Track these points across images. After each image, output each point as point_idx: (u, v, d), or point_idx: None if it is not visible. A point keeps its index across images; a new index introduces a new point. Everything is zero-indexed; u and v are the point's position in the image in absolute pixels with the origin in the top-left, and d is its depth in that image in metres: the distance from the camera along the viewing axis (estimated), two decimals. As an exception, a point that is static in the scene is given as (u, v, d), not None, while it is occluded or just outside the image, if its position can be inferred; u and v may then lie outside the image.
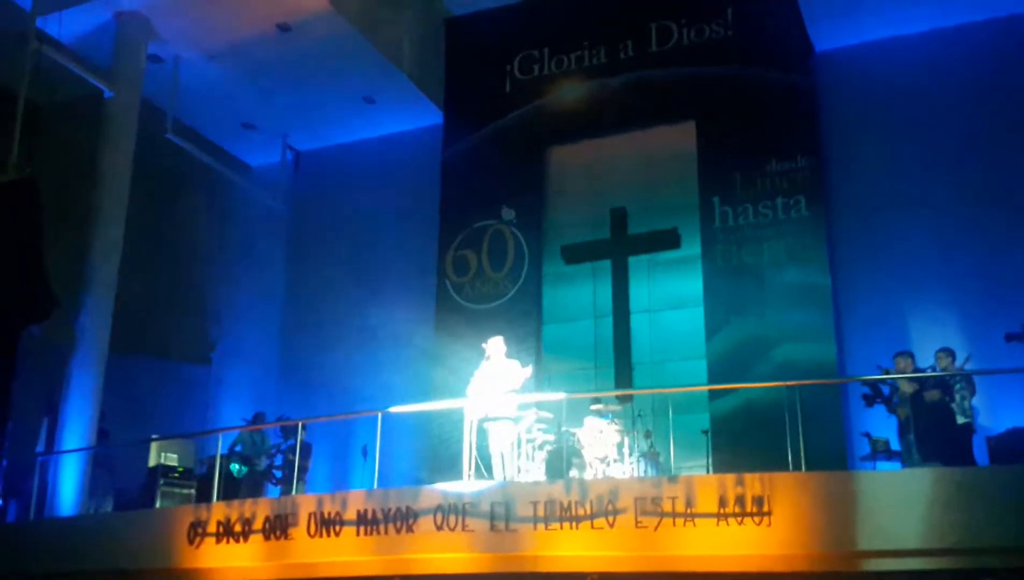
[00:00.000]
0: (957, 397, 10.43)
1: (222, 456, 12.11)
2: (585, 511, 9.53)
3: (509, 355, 11.28)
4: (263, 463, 13.01)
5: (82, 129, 14.70)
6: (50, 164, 15.48)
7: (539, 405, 11.46)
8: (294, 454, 12.20)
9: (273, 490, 12.92)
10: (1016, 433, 10.28)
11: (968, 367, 10.62)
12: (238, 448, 13.07)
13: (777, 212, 13.85)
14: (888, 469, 10.65)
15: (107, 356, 13.48)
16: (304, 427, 12.24)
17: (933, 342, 11.23)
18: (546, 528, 9.59)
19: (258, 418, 13.78)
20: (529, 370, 11.12)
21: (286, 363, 16.63)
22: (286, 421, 12.93)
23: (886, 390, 10.82)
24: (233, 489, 12.07)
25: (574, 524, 9.53)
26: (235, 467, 12.67)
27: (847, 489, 9.23)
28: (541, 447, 11.40)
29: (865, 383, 10.97)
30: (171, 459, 12.80)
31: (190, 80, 15.58)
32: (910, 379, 10.56)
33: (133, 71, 14.62)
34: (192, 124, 16.68)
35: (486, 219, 15.65)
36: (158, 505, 12.45)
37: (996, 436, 10.43)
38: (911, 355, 10.95)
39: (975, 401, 10.53)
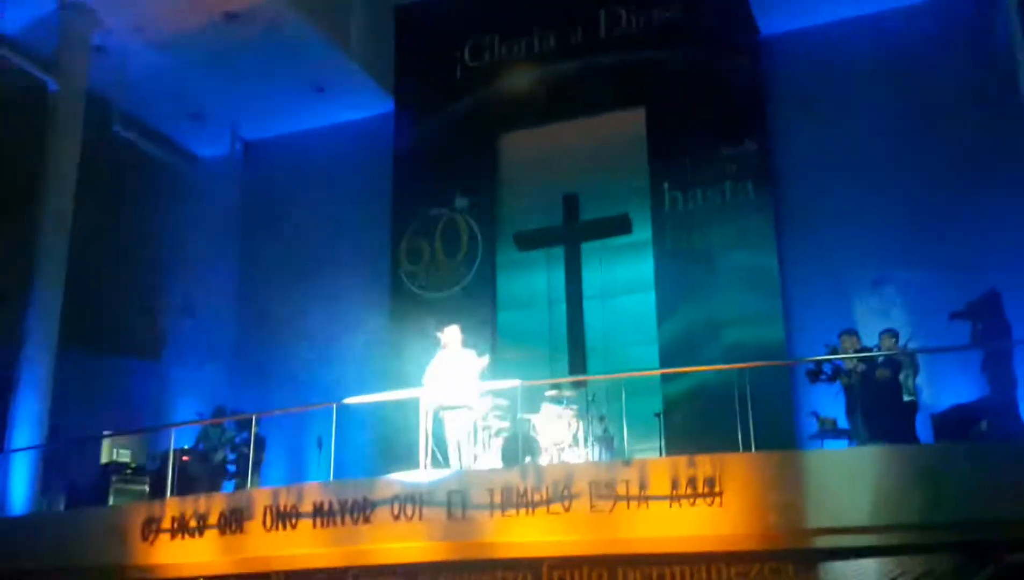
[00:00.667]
0: (901, 376, 10.58)
1: (182, 451, 12.05)
2: (541, 496, 9.58)
3: (465, 343, 11.29)
4: (220, 456, 12.94)
5: (27, 122, 14.45)
6: (-6, 158, 15.26)
7: (494, 392, 11.52)
8: (248, 447, 12.15)
9: (227, 484, 12.86)
10: (959, 410, 10.49)
11: (911, 346, 10.81)
12: (200, 447, 12.97)
13: (726, 196, 13.98)
14: (836, 447, 10.79)
15: (56, 352, 13.32)
16: (258, 421, 12.19)
17: (878, 323, 11.40)
18: (503, 514, 9.63)
19: (219, 412, 13.68)
20: (486, 359, 11.16)
21: (239, 356, 16.46)
22: (239, 415, 12.86)
23: (829, 369, 10.97)
24: (186, 484, 11.97)
25: (530, 510, 9.57)
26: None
27: (796, 468, 9.36)
28: (497, 434, 11.46)
29: (814, 362, 11.10)
30: (124, 455, 12.69)
31: (137, 71, 15.37)
32: (860, 359, 10.72)
33: (78, 62, 14.42)
34: (140, 115, 16.45)
35: (439, 207, 15.64)
36: (111, 502, 12.34)
37: (940, 413, 10.62)
38: (856, 333, 11.11)
39: (919, 379, 10.72)
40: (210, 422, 13.26)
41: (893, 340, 10.79)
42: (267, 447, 13.24)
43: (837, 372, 10.92)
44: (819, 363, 11.00)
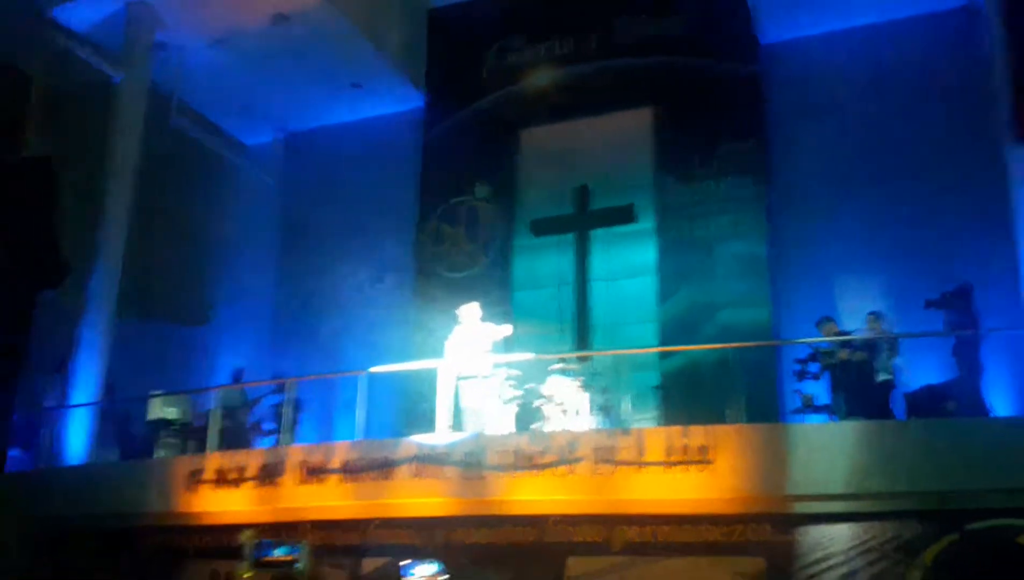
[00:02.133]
0: (883, 356, 10.47)
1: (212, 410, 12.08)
2: (548, 460, 9.59)
3: (483, 319, 11.25)
4: (246, 416, 12.97)
5: (94, 111, 14.49)
6: (64, 143, 15.26)
7: (508, 364, 11.49)
8: (286, 408, 12.14)
9: (266, 440, 12.88)
10: (929, 390, 10.39)
11: (889, 330, 10.69)
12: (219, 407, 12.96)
13: (724, 190, 13.84)
14: (817, 422, 10.73)
15: (114, 319, 13.38)
16: (293, 384, 12.20)
17: (857, 308, 11.31)
18: (513, 475, 9.65)
19: (238, 374, 13.66)
20: (509, 328, 11.12)
21: (278, 325, 16.50)
22: (279, 379, 12.87)
23: (814, 367, 10.86)
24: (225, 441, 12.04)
25: (538, 471, 9.58)
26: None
27: (780, 440, 9.33)
28: (510, 402, 11.43)
29: (800, 363, 11.02)
30: (170, 413, 12.67)
31: (193, 66, 15.38)
32: (842, 344, 10.60)
33: (141, 57, 14.46)
34: (195, 107, 16.46)
35: (462, 195, 15.57)
36: (157, 455, 12.37)
37: (912, 392, 10.53)
38: (832, 320, 11.00)
39: (898, 360, 10.60)
40: (245, 385, 13.26)
41: (878, 322, 10.66)
42: (301, 409, 13.22)
43: (822, 366, 10.80)
44: (805, 363, 10.90)
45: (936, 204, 12.74)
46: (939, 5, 13.42)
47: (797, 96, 14.07)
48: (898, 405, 10.45)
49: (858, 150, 13.41)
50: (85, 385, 12.86)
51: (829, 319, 11.01)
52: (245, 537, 10.10)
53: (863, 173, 13.31)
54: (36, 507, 11.65)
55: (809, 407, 10.73)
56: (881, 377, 10.33)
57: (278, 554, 10.16)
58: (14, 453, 12.87)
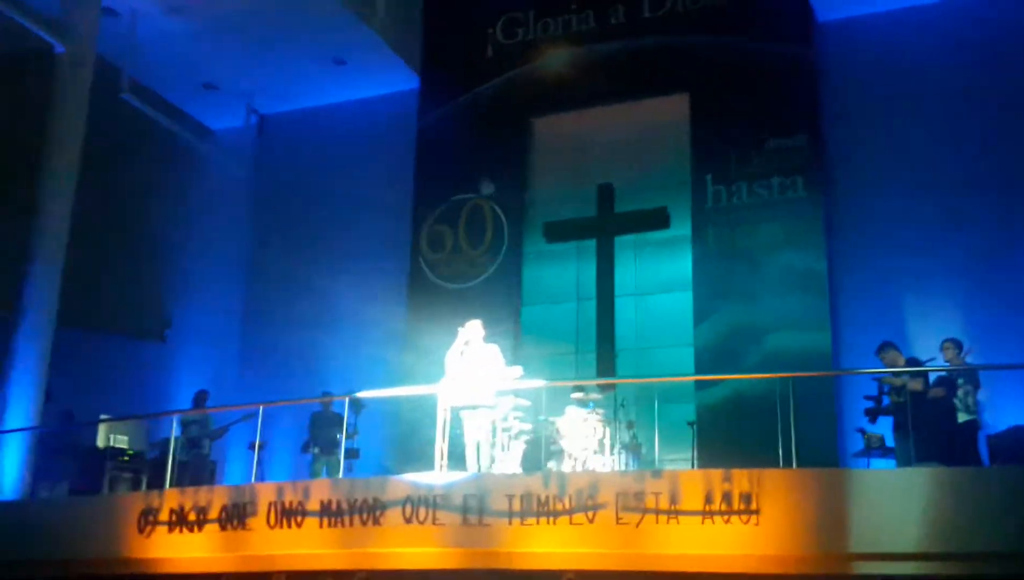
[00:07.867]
0: (960, 392, 10.40)
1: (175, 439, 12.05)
2: (563, 506, 9.56)
3: (487, 339, 11.22)
4: (207, 448, 12.95)
5: (31, 86, 14.52)
6: (-3, 121, 15.34)
7: (516, 392, 11.48)
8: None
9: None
10: (1017, 431, 10.35)
11: (970, 360, 10.63)
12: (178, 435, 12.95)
13: (773, 192, 13.93)
14: (883, 467, 10.73)
15: (54, 329, 13.34)
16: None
17: (932, 333, 11.29)
18: (522, 523, 9.62)
19: (200, 397, 13.64)
20: (519, 370, 11.12)
21: (247, 342, 16.64)
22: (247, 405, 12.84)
23: (885, 400, 10.85)
24: (185, 475, 12.02)
25: (551, 519, 9.56)
26: None
27: (839, 487, 9.27)
28: (518, 437, 11.43)
29: (872, 400, 10.99)
30: (121, 442, 12.69)
31: (148, 36, 15.43)
32: (914, 376, 10.55)
33: (86, 25, 14.41)
34: (150, 84, 16.53)
35: (464, 193, 15.68)
36: (106, 490, 12.37)
37: (997, 434, 10.50)
38: (896, 347, 10.92)
39: (980, 396, 10.55)
40: (210, 410, 13.24)
41: (955, 350, 10.61)
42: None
43: (889, 393, 10.76)
44: (878, 400, 10.89)
45: (1024, 212, 12.80)
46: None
47: (861, 82, 14.10)
48: (980, 449, 10.42)
49: (934, 149, 13.44)
50: (20, 407, 12.76)
51: (891, 345, 10.90)
52: None
53: (941, 175, 13.33)
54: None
55: (876, 449, 10.72)
56: (963, 417, 10.28)
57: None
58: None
